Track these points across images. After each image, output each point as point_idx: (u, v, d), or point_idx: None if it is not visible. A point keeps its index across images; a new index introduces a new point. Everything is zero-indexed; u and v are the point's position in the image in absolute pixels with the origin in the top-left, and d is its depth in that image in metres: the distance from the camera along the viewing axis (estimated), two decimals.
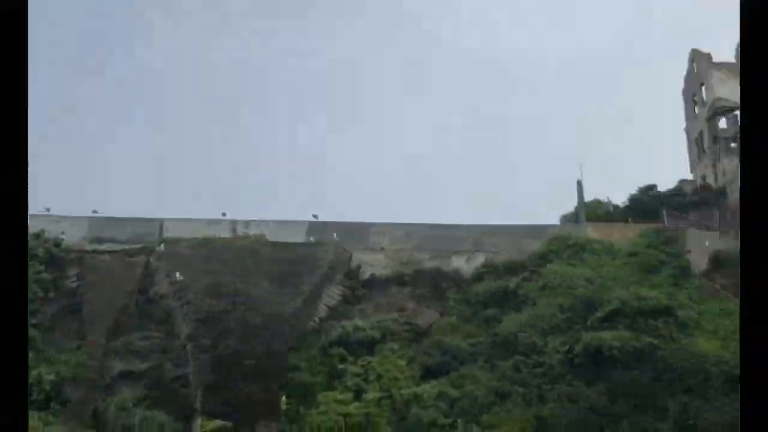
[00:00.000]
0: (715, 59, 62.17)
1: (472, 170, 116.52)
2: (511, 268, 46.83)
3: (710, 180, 59.69)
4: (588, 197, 55.96)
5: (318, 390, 39.00)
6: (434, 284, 47.54)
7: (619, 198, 59.57)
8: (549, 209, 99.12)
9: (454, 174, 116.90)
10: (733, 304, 39.40)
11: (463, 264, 48.63)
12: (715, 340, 38.20)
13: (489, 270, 47.19)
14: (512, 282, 45.22)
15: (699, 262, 46.26)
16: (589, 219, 52.63)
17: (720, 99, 59.77)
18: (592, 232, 49.89)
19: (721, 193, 55.78)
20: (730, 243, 46.23)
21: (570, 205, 57.15)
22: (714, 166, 59.72)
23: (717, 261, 45.92)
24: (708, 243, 47.75)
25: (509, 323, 41.86)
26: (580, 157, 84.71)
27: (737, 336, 35.70)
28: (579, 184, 54.31)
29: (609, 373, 36.41)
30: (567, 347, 38.29)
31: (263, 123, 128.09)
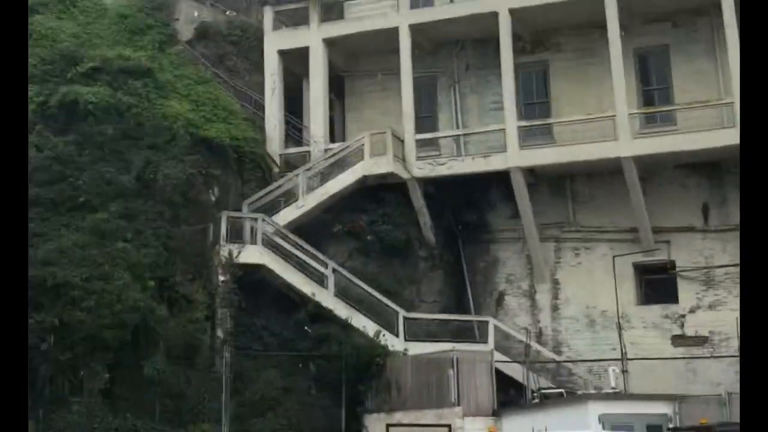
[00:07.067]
0: None
1: None
2: None
3: None
4: None
5: None
6: None
7: None
8: None
9: None
10: (211, 74, 41.03)
11: None
12: (187, 103, 38.88)
13: None
14: None
15: (184, 30, 45.17)
16: None
17: None
18: None
19: None
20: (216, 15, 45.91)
21: None
22: None
23: (202, 31, 44.90)
24: (197, 14, 48.03)
25: None
26: None
27: (208, 99, 37.44)
28: None
29: (80, 126, 35.16)
30: (42, 98, 38.49)
31: None
